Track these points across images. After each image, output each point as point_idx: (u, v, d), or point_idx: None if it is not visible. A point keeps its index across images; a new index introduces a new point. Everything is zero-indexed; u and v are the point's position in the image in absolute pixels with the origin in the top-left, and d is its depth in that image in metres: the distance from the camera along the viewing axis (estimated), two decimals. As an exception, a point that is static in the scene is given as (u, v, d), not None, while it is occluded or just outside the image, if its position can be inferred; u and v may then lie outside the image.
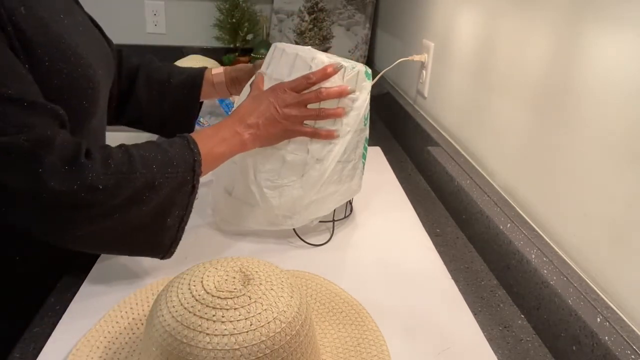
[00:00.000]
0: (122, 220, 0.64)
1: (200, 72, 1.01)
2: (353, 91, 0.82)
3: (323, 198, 0.84)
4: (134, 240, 0.68)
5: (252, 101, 0.80)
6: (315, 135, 0.81)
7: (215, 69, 1.01)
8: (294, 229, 0.86)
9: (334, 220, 0.90)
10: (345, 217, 0.95)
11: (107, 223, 0.63)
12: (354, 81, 0.82)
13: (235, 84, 1.01)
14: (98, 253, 0.77)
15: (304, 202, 0.82)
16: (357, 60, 1.85)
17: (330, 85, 0.79)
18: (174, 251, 0.72)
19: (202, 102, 1.02)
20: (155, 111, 0.98)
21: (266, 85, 0.83)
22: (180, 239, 0.72)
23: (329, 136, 0.81)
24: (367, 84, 0.83)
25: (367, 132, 0.89)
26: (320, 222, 0.88)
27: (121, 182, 0.62)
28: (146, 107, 0.98)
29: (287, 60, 0.82)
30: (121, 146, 0.66)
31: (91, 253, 0.76)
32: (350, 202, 0.97)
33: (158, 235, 0.69)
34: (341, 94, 0.80)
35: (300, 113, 0.79)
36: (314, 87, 0.79)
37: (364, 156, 0.90)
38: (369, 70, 0.84)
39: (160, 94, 0.97)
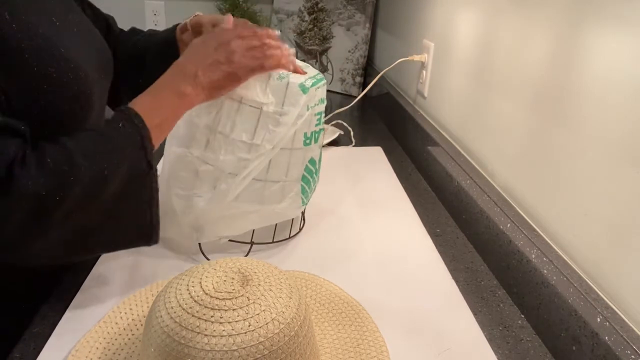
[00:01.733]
0: (84, 219, 0.61)
1: (171, 37, 0.94)
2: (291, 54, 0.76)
3: (235, 216, 0.77)
4: (106, 236, 0.65)
5: (190, 49, 0.73)
6: (263, 68, 0.73)
7: (181, 26, 0.94)
8: (199, 244, 0.80)
9: (252, 243, 0.83)
10: (273, 241, 0.85)
11: (66, 227, 0.60)
12: (282, 93, 0.74)
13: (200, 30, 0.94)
14: (71, 259, 0.72)
15: (210, 217, 0.76)
16: (357, 60, 1.86)
17: (251, 95, 0.73)
18: (157, 237, 0.68)
19: None
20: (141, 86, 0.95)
21: None
22: (157, 222, 0.67)
23: (284, 64, 0.75)
24: (302, 99, 0.75)
25: (313, 154, 0.82)
26: (231, 241, 0.81)
27: (64, 182, 0.58)
28: (132, 85, 0.91)
29: None
30: (57, 141, 0.60)
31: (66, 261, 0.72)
32: (300, 227, 0.91)
33: (131, 225, 0.66)
34: (279, 46, 0.75)
35: (243, 46, 0.72)
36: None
37: (305, 179, 0.82)
38: (317, 84, 0.77)
39: (140, 66, 0.92)
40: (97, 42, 0.78)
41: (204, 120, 0.76)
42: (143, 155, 0.64)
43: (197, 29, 0.93)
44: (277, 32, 0.76)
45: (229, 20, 0.81)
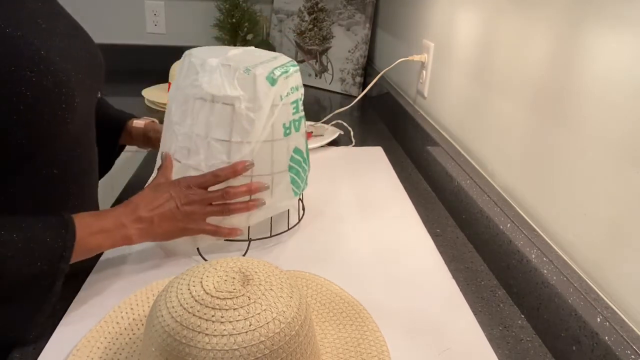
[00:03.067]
0: None
1: (124, 119, 1.00)
2: (267, 187, 0.78)
3: (226, 215, 0.78)
4: None
5: (152, 192, 0.75)
6: (216, 233, 0.77)
7: (138, 121, 1.00)
8: (197, 249, 0.81)
9: (249, 240, 0.83)
10: (270, 236, 0.85)
11: None
12: (251, 87, 0.73)
13: (147, 144, 1.00)
14: None
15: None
16: (357, 60, 1.86)
17: (219, 90, 0.73)
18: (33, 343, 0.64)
19: (123, 146, 1.02)
20: None
21: (175, 97, 0.78)
22: (31, 334, 0.64)
23: (232, 234, 0.78)
24: (272, 90, 0.74)
25: (297, 143, 0.81)
26: (226, 240, 0.81)
27: None
28: None
29: (185, 67, 0.77)
30: None
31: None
32: (299, 217, 0.91)
33: (6, 330, 0.63)
34: (250, 192, 0.77)
35: (202, 211, 0.75)
36: (222, 185, 0.76)
37: (293, 170, 0.81)
38: (286, 73, 0.76)
39: None
40: (87, 45, 0.77)
41: (182, 129, 0.77)
42: (53, 271, 0.62)
43: (148, 133, 0.99)
44: (248, 162, 0.76)
45: (167, 160, 0.80)
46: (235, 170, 0.76)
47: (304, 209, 0.92)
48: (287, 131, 0.79)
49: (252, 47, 0.84)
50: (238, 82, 0.73)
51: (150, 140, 1.00)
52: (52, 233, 0.63)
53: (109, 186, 1.12)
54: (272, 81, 0.74)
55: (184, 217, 0.74)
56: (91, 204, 0.82)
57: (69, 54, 0.69)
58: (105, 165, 1.00)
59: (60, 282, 0.63)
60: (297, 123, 0.80)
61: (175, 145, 0.78)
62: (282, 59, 0.80)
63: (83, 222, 0.66)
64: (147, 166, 1.15)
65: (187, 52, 0.79)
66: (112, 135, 0.99)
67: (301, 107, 0.82)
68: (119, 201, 1.00)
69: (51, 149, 0.68)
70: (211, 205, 0.76)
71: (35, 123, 0.63)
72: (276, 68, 0.75)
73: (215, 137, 0.75)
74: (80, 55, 0.72)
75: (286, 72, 0.76)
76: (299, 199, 0.89)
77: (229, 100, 0.73)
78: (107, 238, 0.68)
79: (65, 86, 0.65)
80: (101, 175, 1.01)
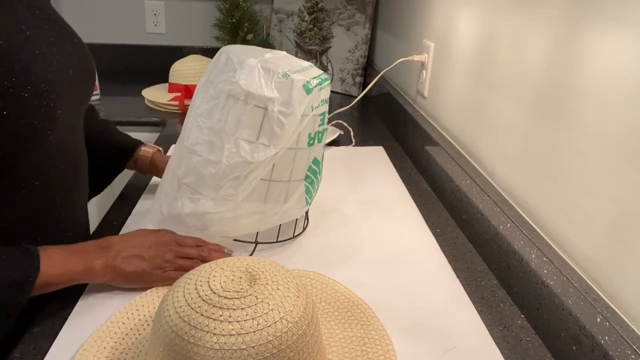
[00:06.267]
0: None
1: (131, 148, 1.00)
2: (230, 252, 0.79)
3: (239, 216, 0.78)
4: None
5: (129, 233, 0.74)
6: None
7: (145, 148, 1.01)
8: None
9: (256, 243, 0.84)
10: (277, 241, 0.86)
11: None
12: (287, 92, 0.74)
13: (152, 172, 1.02)
14: None
15: (215, 217, 0.77)
16: (357, 60, 1.86)
17: (255, 88, 0.73)
18: None
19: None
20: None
21: (204, 90, 0.78)
22: None
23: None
24: (306, 99, 0.75)
25: (317, 154, 0.82)
26: (236, 240, 0.82)
27: None
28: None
29: (221, 63, 0.77)
30: None
31: None
32: (304, 226, 0.92)
33: None
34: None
35: (172, 260, 0.73)
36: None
37: (308, 179, 0.83)
38: (321, 84, 0.77)
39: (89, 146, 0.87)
40: (77, 51, 0.74)
41: (208, 122, 0.77)
42: (10, 305, 0.60)
43: (152, 167, 1.01)
44: (228, 250, 0.79)
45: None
46: (220, 251, 0.78)
47: (308, 219, 0.93)
48: (311, 142, 0.79)
49: (285, 52, 0.84)
50: (275, 85, 0.73)
51: (152, 173, 1.02)
52: (15, 265, 0.61)
53: (109, 186, 1.12)
54: (308, 90, 0.75)
55: (150, 258, 0.71)
56: (79, 215, 0.80)
57: (53, 62, 0.66)
58: (105, 182, 1.00)
59: (15, 315, 0.61)
60: (320, 135, 0.81)
61: (197, 138, 0.78)
62: (315, 70, 0.81)
63: (46, 254, 0.64)
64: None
65: (224, 49, 0.79)
66: (118, 162, 1.00)
67: (326, 120, 0.83)
68: (119, 201, 1.01)
69: (31, 160, 0.66)
70: (183, 259, 0.74)
71: (13, 134, 0.61)
72: (313, 78, 0.76)
73: (242, 137, 0.75)
74: (68, 63, 0.70)
75: (320, 84, 0.77)
76: None
77: (263, 101, 0.73)
78: (70, 276, 0.66)
79: (47, 97, 0.63)
80: (101, 188, 1.00)
